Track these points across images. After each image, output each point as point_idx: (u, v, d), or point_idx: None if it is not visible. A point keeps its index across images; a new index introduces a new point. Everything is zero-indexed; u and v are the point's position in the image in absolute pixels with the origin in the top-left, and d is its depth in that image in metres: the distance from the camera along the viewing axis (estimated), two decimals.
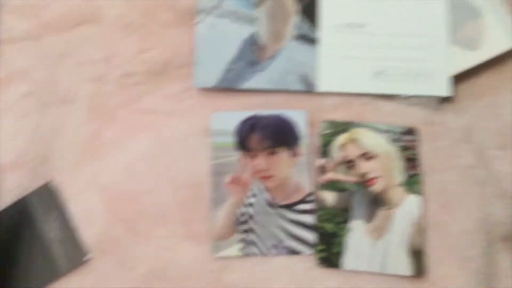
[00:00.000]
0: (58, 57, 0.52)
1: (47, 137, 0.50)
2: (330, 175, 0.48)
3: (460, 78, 0.51)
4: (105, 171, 0.49)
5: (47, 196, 0.48)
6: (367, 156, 0.48)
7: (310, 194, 0.47)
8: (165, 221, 0.47)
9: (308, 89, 0.52)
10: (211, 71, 0.51)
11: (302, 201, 0.47)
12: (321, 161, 0.48)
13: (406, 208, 0.46)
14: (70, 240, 0.47)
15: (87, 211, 0.48)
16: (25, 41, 0.52)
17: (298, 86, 0.52)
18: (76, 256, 0.46)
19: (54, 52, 0.52)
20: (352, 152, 0.48)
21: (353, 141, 0.49)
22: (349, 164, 0.48)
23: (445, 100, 0.51)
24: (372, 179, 0.47)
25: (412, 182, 0.47)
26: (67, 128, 0.50)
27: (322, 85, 0.52)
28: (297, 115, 0.50)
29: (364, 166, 0.48)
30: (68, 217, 0.48)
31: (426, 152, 0.48)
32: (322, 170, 0.48)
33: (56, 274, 0.46)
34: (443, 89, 0.51)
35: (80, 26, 0.52)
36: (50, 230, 0.47)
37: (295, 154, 0.49)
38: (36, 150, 0.49)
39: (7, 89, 0.51)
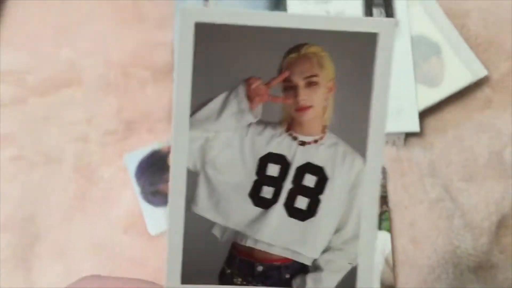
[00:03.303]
0: (42, 119, 0.55)
1: (35, 198, 0.52)
2: None
3: (425, 113, 0.53)
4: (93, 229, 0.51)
5: None
6: None
7: None
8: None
9: None
10: None
11: None
12: None
13: (377, 245, 0.47)
14: None
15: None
16: (11, 106, 0.55)
17: None
18: None
19: (38, 115, 0.55)
20: None
21: None
22: None
23: (410, 136, 0.53)
24: None
25: (382, 219, 0.48)
26: (54, 188, 0.53)
27: None
28: None
29: None
30: None
31: (394, 188, 0.50)
32: None
33: None
34: (413, 125, 0.52)
35: (62, 89, 0.56)
36: None
37: None
38: (24, 211, 0.52)
39: None
